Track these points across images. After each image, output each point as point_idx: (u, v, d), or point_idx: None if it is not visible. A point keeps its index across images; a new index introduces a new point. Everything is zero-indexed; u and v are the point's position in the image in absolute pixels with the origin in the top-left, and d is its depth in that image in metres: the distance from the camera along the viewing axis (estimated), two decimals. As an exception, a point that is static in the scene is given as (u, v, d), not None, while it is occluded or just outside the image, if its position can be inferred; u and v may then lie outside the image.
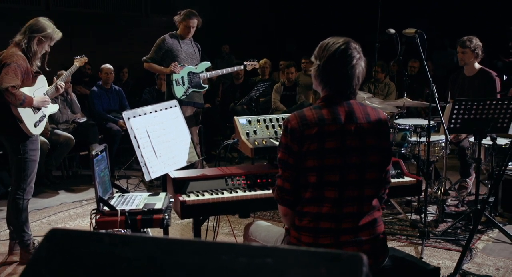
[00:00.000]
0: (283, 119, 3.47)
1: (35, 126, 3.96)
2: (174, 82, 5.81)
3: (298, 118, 2.35)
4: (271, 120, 3.43)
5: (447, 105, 4.86)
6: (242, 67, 6.59)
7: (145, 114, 3.00)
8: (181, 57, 5.90)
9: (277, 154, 2.45)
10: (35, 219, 5.08)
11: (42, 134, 5.46)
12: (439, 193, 5.03)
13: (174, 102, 3.31)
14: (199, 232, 3.16)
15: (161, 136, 3.05)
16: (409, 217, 4.99)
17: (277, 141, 3.30)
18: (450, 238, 4.50)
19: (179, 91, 5.85)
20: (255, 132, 3.32)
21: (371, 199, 2.42)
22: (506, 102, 4.36)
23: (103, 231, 2.45)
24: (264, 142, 3.26)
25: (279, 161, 2.42)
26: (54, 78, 4.49)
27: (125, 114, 2.88)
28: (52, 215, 5.29)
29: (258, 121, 3.40)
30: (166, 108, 3.18)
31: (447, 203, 5.29)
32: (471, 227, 4.66)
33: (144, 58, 5.99)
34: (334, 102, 2.39)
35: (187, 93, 5.91)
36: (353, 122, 2.35)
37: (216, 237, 3.60)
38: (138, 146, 2.86)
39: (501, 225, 4.50)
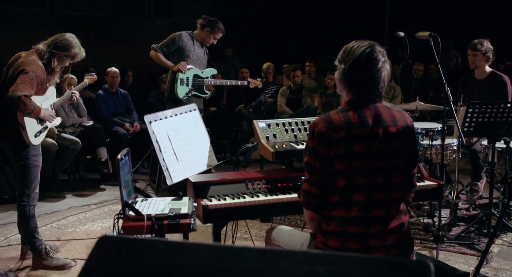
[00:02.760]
0: (302, 122, 3.45)
1: (35, 136, 3.88)
2: (178, 81, 5.77)
3: (326, 121, 2.33)
4: (290, 124, 3.41)
5: (461, 108, 4.85)
6: (245, 83, 6.58)
7: (165, 117, 2.97)
8: (191, 58, 5.87)
9: (303, 158, 2.43)
10: (45, 224, 5.04)
11: (49, 136, 5.42)
12: (451, 196, 5.01)
13: (194, 105, 3.29)
14: (219, 237, 3.13)
15: (182, 140, 3.02)
16: (422, 220, 4.97)
17: (297, 144, 3.28)
18: (465, 242, 4.47)
19: (181, 91, 5.81)
20: (274, 135, 3.30)
21: (399, 203, 2.41)
22: (520, 106, 4.35)
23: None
24: (284, 145, 3.24)
25: (306, 165, 2.39)
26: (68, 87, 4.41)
27: (146, 118, 2.85)
28: (61, 219, 5.25)
29: (278, 124, 3.37)
30: (186, 112, 3.15)
31: (458, 206, 5.27)
32: (485, 230, 4.67)
33: (154, 46, 5.88)
34: (361, 106, 2.37)
35: (189, 95, 5.88)
36: (380, 126, 2.34)
37: (235, 242, 3.57)
38: (160, 150, 2.83)
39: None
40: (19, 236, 4.48)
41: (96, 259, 1.23)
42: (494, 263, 4.10)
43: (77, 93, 4.40)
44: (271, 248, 1.16)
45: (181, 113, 3.11)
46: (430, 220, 4.97)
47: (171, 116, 3.02)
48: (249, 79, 6.60)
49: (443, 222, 4.90)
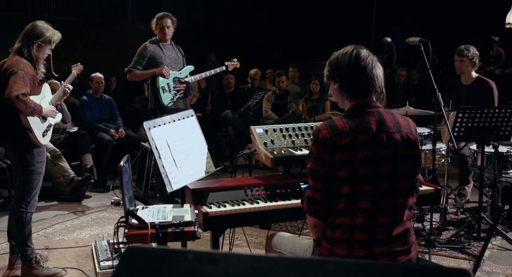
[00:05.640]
0: (299, 128, 3.44)
1: (43, 135, 3.90)
2: (160, 89, 5.71)
3: (329, 128, 2.31)
4: (287, 129, 3.40)
5: (451, 113, 4.90)
6: (224, 67, 6.49)
7: (164, 124, 2.93)
8: (165, 63, 5.80)
9: (306, 164, 2.41)
10: (31, 232, 4.92)
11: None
12: (440, 201, 5.05)
13: (191, 111, 3.26)
14: (217, 244, 3.09)
15: (180, 146, 2.98)
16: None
17: (295, 150, 3.27)
18: (456, 246, 4.51)
19: (166, 98, 5.75)
20: (272, 141, 3.28)
21: (404, 209, 2.40)
22: (509, 111, 4.41)
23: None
24: (282, 151, 3.22)
25: (310, 172, 2.37)
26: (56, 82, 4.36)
27: (145, 124, 2.81)
28: (48, 227, 5.15)
29: (275, 130, 3.36)
30: (183, 118, 3.12)
31: (447, 210, 5.32)
32: (475, 234, 4.71)
33: (127, 68, 5.87)
34: (364, 111, 2.36)
35: (174, 100, 5.83)
36: (384, 131, 2.33)
37: (232, 249, 3.54)
38: (160, 157, 2.79)
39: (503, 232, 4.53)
40: (6, 245, 4.39)
41: (125, 270, 1.20)
42: (486, 267, 4.13)
43: (70, 86, 4.38)
44: (306, 257, 1.14)
45: (179, 119, 3.07)
46: (420, 225, 5.00)
47: (169, 122, 2.98)
48: (226, 63, 6.54)
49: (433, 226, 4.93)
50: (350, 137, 2.28)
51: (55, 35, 3.91)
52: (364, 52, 2.38)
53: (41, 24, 3.90)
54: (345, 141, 2.28)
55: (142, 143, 6.64)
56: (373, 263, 1.15)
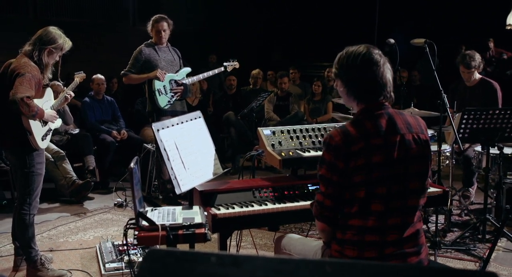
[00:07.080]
0: (306, 130, 3.43)
1: (42, 139, 3.88)
2: (156, 92, 5.69)
3: (342, 134, 2.28)
4: (295, 131, 3.39)
5: (456, 115, 4.89)
6: (222, 68, 6.43)
7: (172, 125, 2.92)
8: (161, 65, 5.77)
9: (317, 170, 2.38)
10: (36, 234, 4.89)
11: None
12: (448, 203, 5.03)
13: (198, 113, 3.24)
14: (225, 246, 3.08)
15: (188, 148, 2.97)
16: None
17: (303, 152, 3.26)
18: (461, 248, 4.49)
19: (163, 100, 5.72)
20: (280, 143, 3.27)
21: (415, 210, 2.38)
22: (515, 112, 4.40)
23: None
24: (290, 153, 3.21)
25: (321, 178, 2.34)
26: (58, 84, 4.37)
27: (154, 126, 2.79)
28: (52, 229, 5.13)
29: (282, 132, 3.35)
30: (191, 119, 3.11)
31: (452, 212, 5.30)
32: (480, 236, 4.70)
33: (122, 72, 5.85)
34: (374, 114, 2.34)
35: (171, 102, 5.81)
36: (396, 133, 2.31)
37: (239, 250, 3.52)
38: (168, 159, 2.77)
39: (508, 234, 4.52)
40: (10, 247, 4.38)
41: (147, 273, 1.19)
42: (492, 269, 4.12)
43: (72, 93, 4.41)
44: (330, 259, 1.13)
45: (187, 121, 3.06)
46: (424, 226, 4.99)
47: (177, 124, 2.97)
48: (225, 63, 6.48)
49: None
50: (363, 142, 2.25)
51: (66, 43, 3.93)
52: (377, 55, 2.33)
53: (54, 30, 3.89)
54: (358, 147, 2.25)
55: (145, 144, 6.63)
56: (399, 265, 1.14)
